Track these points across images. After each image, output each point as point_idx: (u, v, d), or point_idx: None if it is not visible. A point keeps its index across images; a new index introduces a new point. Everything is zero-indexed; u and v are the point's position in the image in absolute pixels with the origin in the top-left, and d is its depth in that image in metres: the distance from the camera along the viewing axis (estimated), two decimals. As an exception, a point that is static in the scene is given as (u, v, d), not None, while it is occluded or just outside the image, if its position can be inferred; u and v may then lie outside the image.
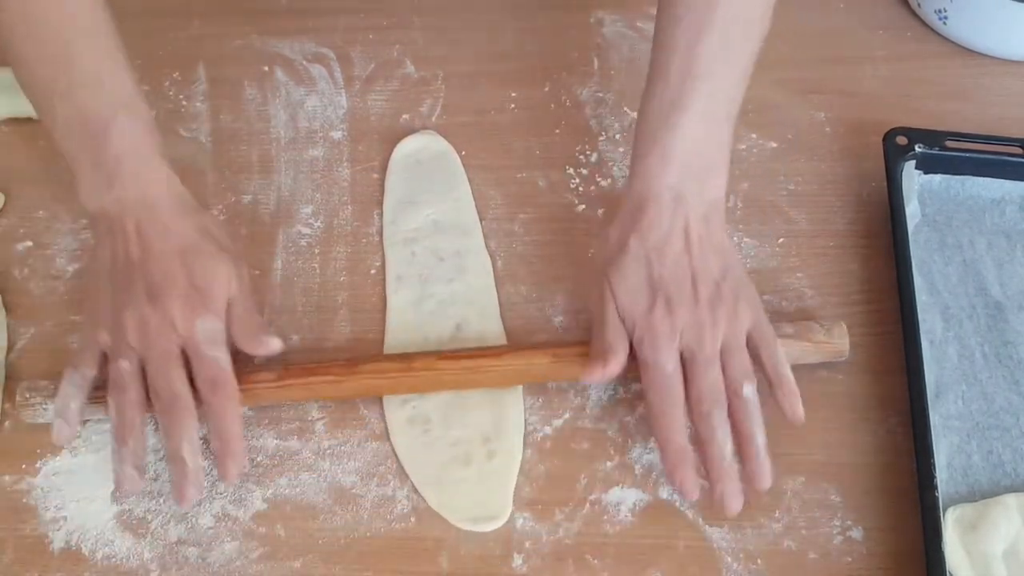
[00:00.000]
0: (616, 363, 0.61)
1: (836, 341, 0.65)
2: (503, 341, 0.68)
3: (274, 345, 0.63)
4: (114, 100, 0.63)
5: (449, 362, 0.64)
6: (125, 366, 0.60)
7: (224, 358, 0.61)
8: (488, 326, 0.69)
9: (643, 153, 0.65)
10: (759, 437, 0.60)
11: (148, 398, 0.61)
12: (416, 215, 0.74)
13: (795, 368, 0.62)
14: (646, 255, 0.62)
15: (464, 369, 0.64)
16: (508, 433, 0.64)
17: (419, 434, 0.65)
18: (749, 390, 0.60)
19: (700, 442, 0.60)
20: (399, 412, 0.66)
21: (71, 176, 0.64)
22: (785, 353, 0.62)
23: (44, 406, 0.63)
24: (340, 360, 0.65)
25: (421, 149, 0.78)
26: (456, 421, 0.65)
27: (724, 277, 0.63)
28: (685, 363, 0.61)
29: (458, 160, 0.78)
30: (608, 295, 0.63)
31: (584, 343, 0.64)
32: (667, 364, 0.60)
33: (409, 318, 0.70)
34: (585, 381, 0.63)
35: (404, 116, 0.81)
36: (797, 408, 0.61)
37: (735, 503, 0.59)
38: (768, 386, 0.62)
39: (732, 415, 0.60)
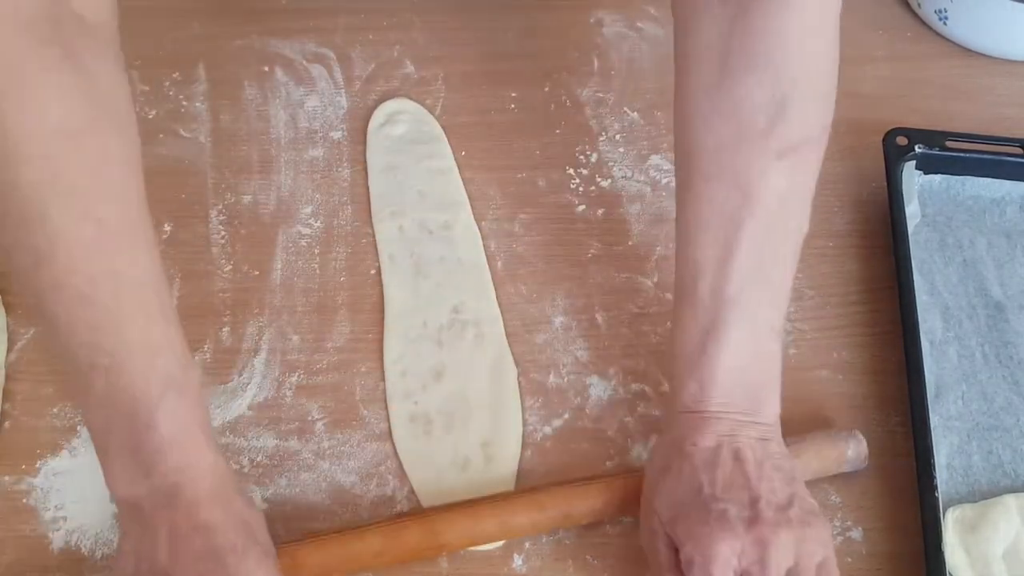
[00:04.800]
0: None
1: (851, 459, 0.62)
2: (499, 322, 0.69)
3: None
4: (166, 376, 0.52)
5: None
6: None
7: None
8: (484, 306, 0.70)
9: (682, 380, 0.57)
10: None
11: None
12: (400, 187, 0.76)
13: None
14: (692, 471, 0.55)
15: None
16: (507, 437, 0.64)
17: (420, 434, 0.65)
18: None
19: None
20: (402, 407, 0.66)
21: (99, 457, 0.53)
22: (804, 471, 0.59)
23: None
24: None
25: (398, 112, 0.81)
26: (457, 423, 0.65)
27: (791, 503, 0.53)
28: None
29: (435, 122, 0.80)
30: (655, 522, 0.55)
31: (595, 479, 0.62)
32: None
33: (407, 303, 0.70)
34: None
35: (404, 116, 0.81)
36: None
37: None
38: None
39: None
